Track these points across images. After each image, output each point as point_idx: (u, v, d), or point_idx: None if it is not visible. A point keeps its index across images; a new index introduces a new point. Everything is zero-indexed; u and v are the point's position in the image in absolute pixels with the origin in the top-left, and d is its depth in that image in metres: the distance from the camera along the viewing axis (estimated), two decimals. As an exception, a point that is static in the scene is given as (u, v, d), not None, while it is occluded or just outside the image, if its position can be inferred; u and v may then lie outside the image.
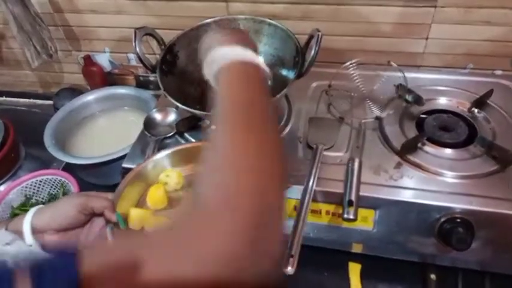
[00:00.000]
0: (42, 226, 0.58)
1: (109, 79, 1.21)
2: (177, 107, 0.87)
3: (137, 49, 0.81)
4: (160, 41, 0.87)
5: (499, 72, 0.96)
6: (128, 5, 1.02)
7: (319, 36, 0.75)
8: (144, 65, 0.82)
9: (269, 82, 0.53)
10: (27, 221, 0.57)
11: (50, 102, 1.23)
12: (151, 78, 1.17)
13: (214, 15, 0.98)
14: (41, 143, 1.02)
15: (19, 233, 0.57)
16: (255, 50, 0.53)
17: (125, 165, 0.82)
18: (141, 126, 0.88)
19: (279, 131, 0.46)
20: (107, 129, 1.09)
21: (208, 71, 0.52)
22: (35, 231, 0.57)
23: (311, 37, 0.80)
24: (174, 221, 0.41)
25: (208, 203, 0.36)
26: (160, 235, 0.37)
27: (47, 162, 1.12)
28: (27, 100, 1.30)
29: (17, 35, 0.98)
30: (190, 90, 0.90)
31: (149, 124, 0.87)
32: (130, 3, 1.01)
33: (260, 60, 0.50)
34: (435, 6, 0.88)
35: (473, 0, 0.86)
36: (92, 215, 0.61)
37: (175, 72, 0.88)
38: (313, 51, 0.76)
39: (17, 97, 1.31)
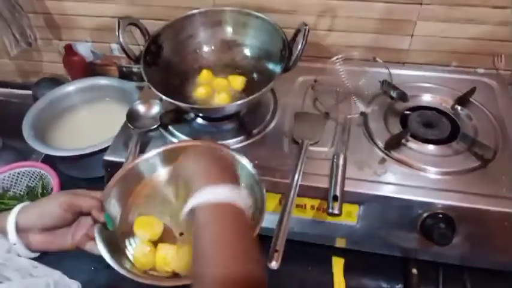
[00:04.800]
0: (27, 225, 0.56)
1: (91, 69, 1.18)
2: (161, 99, 0.86)
3: (120, 39, 0.79)
4: (144, 32, 0.85)
5: (481, 70, 0.98)
6: (111, -8, 1.00)
7: (306, 30, 0.75)
8: (128, 56, 0.80)
9: (250, 212, 0.54)
10: (11, 219, 0.55)
11: (29, 92, 1.19)
12: (135, 70, 1.15)
13: (200, 6, 0.97)
14: (20, 133, 0.98)
15: (2, 231, 0.55)
16: (236, 180, 0.55)
17: (107, 157, 0.80)
18: (123, 118, 0.86)
19: (260, 268, 0.47)
20: (89, 120, 1.06)
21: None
22: (19, 230, 0.55)
23: (298, 31, 0.80)
24: None
25: None
26: None
27: (26, 153, 1.09)
28: (5, 90, 1.26)
29: (-6, 22, 0.95)
30: (175, 82, 0.89)
31: (132, 116, 0.85)
32: (113, -9, 0.99)
33: (239, 196, 0.51)
34: (421, 4, 0.89)
35: (458, -3, 0.87)
36: (79, 214, 0.60)
37: (159, 63, 0.86)
38: (300, 45, 0.76)
39: (-6, 86, 1.26)
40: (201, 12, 0.89)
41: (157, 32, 0.86)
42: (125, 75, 1.16)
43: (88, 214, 0.59)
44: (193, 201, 0.49)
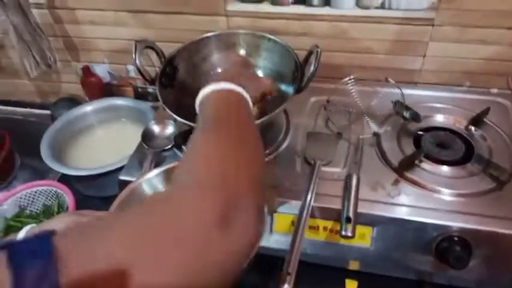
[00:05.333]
0: None
1: (107, 90, 1.21)
2: (175, 120, 0.87)
3: (137, 62, 0.81)
4: (160, 54, 0.87)
5: (494, 90, 0.97)
6: (127, 17, 1.02)
7: (318, 53, 0.76)
8: (144, 78, 0.82)
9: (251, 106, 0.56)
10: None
11: (47, 112, 1.23)
12: (150, 90, 1.17)
13: (214, 29, 0.99)
14: (37, 152, 1.01)
15: None
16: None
17: (122, 177, 0.81)
18: (138, 138, 0.88)
19: (261, 147, 0.48)
20: (104, 140, 1.08)
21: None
22: None
23: (310, 53, 0.81)
24: (145, 204, 0.42)
25: (178, 186, 0.39)
26: (133, 222, 0.35)
27: (43, 172, 1.11)
28: (24, 109, 1.29)
29: (16, 45, 0.98)
30: (189, 103, 0.89)
31: (147, 136, 0.87)
32: (130, 15, 1.02)
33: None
34: (433, 25, 0.89)
35: (470, 19, 0.87)
36: None
37: (174, 84, 0.88)
38: (312, 67, 0.77)
39: (14, 106, 1.30)
40: (215, 35, 0.91)
41: (173, 54, 0.88)
42: (140, 95, 1.19)
43: None
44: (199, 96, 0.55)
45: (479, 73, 0.96)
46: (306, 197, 0.72)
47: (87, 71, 1.15)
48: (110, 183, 0.91)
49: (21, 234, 0.57)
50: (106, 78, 1.19)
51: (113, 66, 1.15)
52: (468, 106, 0.90)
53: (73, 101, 1.21)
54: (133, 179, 0.80)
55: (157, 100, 0.83)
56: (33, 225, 0.61)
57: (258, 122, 0.76)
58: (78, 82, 1.19)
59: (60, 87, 1.25)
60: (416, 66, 0.98)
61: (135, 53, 0.81)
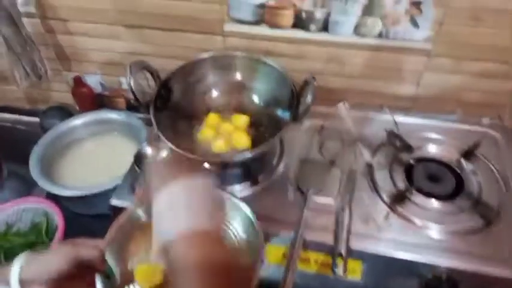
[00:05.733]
0: (31, 277, 0.56)
1: (99, 100, 1.19)
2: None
3: (132, 85, 0.80)
4: (155, 76, 0.86)
5: (486, 120, 0.98)
6: (122, 31, 1.01)
7: (315, 85, 0.76)
8: (138, 102, 0.81)
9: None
10: (15, 272, 0.56)
11: (36, 119, 1.20)
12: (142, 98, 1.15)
13: (210, 47, 0.99)
14: (26, 161, 0.99)
15: (6, 282, 0.55)
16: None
17: (114, 202, 0.81)
18: (131, 152, 0.87)
19: None
20: (96, 154, 1.07)
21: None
22: (22, 283, 0.56)
23: (306, 82, 0.80)
24: None
25: None
26: None
27: (31, 181, 1.08)
28: (12, 115, 1.27)
29: (5, 56, 0.96)
30: (183, 124, 0.89)
31: (140, 159, 0.86)
32: (125, 29, 1.00)
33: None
34: (428, 56, 0.90)
35: (466, 52, 0.88)
36: (81, 264, 0.60)
37: (168, 106, 0.87)
38: (308, 99, 0.77)
39: (1, 112, 1.27)
40: (211, 56, 0.90)
41: (168, 77, 0.87)
42: (132, 107, 1.17)
43: (89, 263, 0.60)
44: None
45: (472, 103, 0.97)
46: (297, 230, 0.73)
47: (78, 81, 1.13)
48: (101, 202, 0.90)
49: (16, 267, 0.56)
50: (98, 89, 1.17)
51: (105, 77, 1.14)
52: (460, 137, 0.91)
53: (63, 110, 1.18)
54: (124, 204, 0.80)
55: (149, 112, 0.82)
56: (30, 253, 0.59)
57: (252, 153, 0.75)
58: (68, 91, 1.17)
59: (50, 95, 1.23)
60: (410, 93, 0.98)
61: (130, 76, 0.79)
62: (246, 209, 0.68)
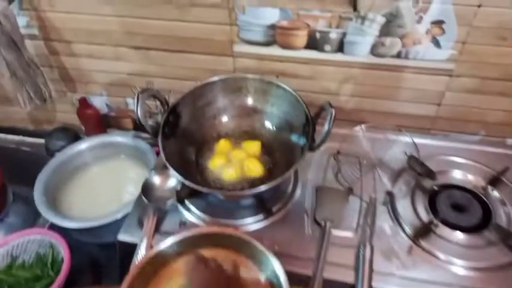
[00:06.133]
0: None
1: (105, 121, 1.15)
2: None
3: (139, 114, 0.76)
4: (163, 102, 0.82)
5: (510, 140, 0.94)
6: (128, 52, 0.97)
7: (333, 114, 0.71)
8: (146, 131, 0.77)
9: None
10: None
11: (41, 140, 1.17)
12: (150, 123, 1.12)
13: (219, 68, 0.95)
14: (31, 183, 0.96)
15: None
16: None
17: (121, 238, 0.77)
18: (138, 176, 0.83)
19: None
20: (102, 179, 1.03)
21: None
22: None
23: (322, 108, 0.76)
24: None
25: None
26: None
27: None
28: (16, 137, 1.24)
29: (8, 81, 0.93)
30: (192, 151, 0.86)
31: (147, 189, 0.82)
32: (131, 51, 0.97)
33: None
34: (451, 76, 0.85)
35: (491, 71, 0.83)
36: None
37: (177, 133, 0.83)
38: (326, 128, 0.72)
39: (6, 133, 1.24)
40: (221, 79, 0.86)
41: (176, 102, 0.83)
42: (139, 127, 1.13)
43: None
44: None
45: (496, 123, 0.92)
46: (316, 268, 0.69)
47: (83, 103, 1.10)
48: (108, 231, 0.87)
49: None
50: (103, 109, 1.13)
51: (111, 98, 1.10)
52: (484, 160, 0.86)
53: (68, 132, 1.15)
54: (132, 241, 0.76)
55: (156, 133, 0.78)
56: None
57: (267, 186, 0.71)
58: (74, 112, 1.14)
59: (55, 116, 1.19)
60: (431, 113, 0.94)
61: (137, 105, 0.76)
62: (269, 254, 0.64)
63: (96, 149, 1.05)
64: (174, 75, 0.99)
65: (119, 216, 0.86)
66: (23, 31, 0.95)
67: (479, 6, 0.74)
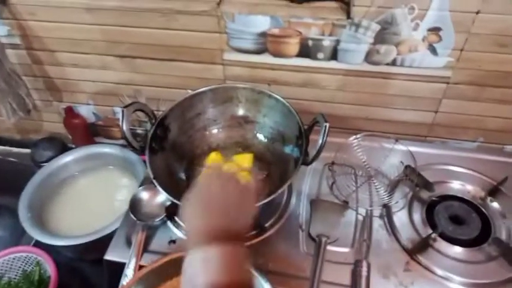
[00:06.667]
0: None
1: (92, 131, 1.12)
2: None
3: (124, 129, 0.73)
4: (150, 115, 0.79)
5: (509, 147, 0.91)
6: (114, 61, 0.93)
7: (326, 128, 0.68)
8: (132, 147, 0.74)
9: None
10: None
11: (27, 150, 1.14)
12: (139, 131, 1.09)
13: (209, 77, 0.92)
14: (17, 194, 0.93)
15: None
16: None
17: (108, 257, 0.74)
18: (126, 186, 0.80)
19: None
20: (90, 191, 1.00)
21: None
22: None
23: (315, 121, 0.73)
24: None
25: None
26: None
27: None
28: (2, 147, 1.20)
29: (-10, 93, 0.89)
30: (181, 165, 0.83)
31: (135, 206, 0.79)
32: (117, 60, 0.93)
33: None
34: (448, 83, 0.83)
35: (490, 79, 0.80)
36: None
37: (165, 147, 0.80)
38: (320, 142, 0.69)
39: (-9, 143, 1.21)
40: (211, 89, 0.83)
41: (164, 115, 0.80)
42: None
43: None
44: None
45: (494, 130, 0.89)
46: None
47: (70, 112, 1.06)
48: (96, 247, 0.84)
49: None
50: (91, 118, 1.10)
51: (98, 107, 1.06)
52: (482, 169, 0.84)
53: (55, 141, 1.12)
54: (120, 260, 0.73)
55: (145, 141, 0.75)
56: None
57: (261, 203, 0.68)
58: (60, 121, 1.10)
59: (41, 126, 1.16)
60: (427, 120, 0.91)
61: (123, 120, 0.72)
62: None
63: (83, 160, 1.02)
64: (163, 83, 0.96)
65: (106, 232, 0.83)
66: (4, 40, 0.92)
67: (477, 12, 0.71)
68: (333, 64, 0.84)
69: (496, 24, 0.72)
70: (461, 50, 0.77)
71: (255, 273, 0.62)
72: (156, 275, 0.65)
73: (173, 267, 0.64)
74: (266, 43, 0.83)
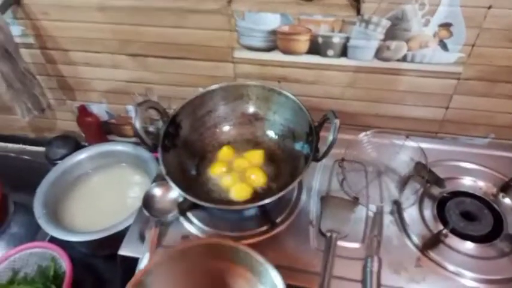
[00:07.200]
0: None
1: (105, 129, 1.14)
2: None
3: (137, 126, 0.73)
4: (162, 113, 0.79)
5: (521, 144, 0.91)
6: (126, 60, 0.95)
7: (337, 125, 0.68)
8: (145, 144, 0.75)
9: None
10: None
11: (41, 148, 1.16)
12: (150, 129, 1.10)
13: (220, 75, 0.93)
14: (32, 192, 0.95)
15: None
16: None
17: (122, 253, 0.75)
18: (139, 184, 0.81)
19: None
20: (103, 188, 1.02)
21: None
22: None
23: (325, 118, 0.73)
24: None
25: None
26: None
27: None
28: (16, 145, 1.22)
29: (5, 93, 0.91)
30: (193, 162, 0.84)
31: (148, 202, 0.80)
32: (129, 58, 0.94)
33: None
34: (458, 79, 0.82)
35: (500, 75, 0.80)
36: None
37: (177, 144, 0.81)
38: (330, 138, 0.69)
39: (6, 141, 1.23)
40: (222, 87, 0.84)
41: (176, 112, 0.80)
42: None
43: None
44: None
45: (505, 126, 0.89)
46: (322, 283, 0.67)
47: (83, 111, 1.08)
48: (110, 243, 0.85)
49: None
50: (104, 117, 1.11)
51: (111, 106, 1.08)
52: (494, 165, 0.84)
53: (69, 140, 1.14)
54: (134, 255, 0.74)
55: (157, 139, 0.76)
56: None
57: (270, 200, 0.69)
58: (74, 119, 1.12)
59: (55, 124, 1.18)
60: (438, 117, 0.91)
61: (136, 118, 0.73)
62: (271, 270, 0.62)
63: (96, 158, 1.03)
64: (174, 82, 0.97)
65: (121, 227, 0.85)
66: (18, 40, 0.94)
67: (489, 7, 0.71)
68: (343, 61, 0.84)
69: (508, 19, 0.72)
70: (473, 46, 0.77)
71: (262, 260, 0.63)
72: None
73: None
74: (276, 41, 0.84)
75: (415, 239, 0.73)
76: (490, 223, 0.74)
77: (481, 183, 0.81)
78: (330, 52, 0.83)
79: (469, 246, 0.71)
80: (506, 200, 0.78)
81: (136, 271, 0.71)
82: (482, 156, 0.86)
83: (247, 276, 0.65)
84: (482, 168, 0.84)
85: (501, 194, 0.78)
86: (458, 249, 0.71)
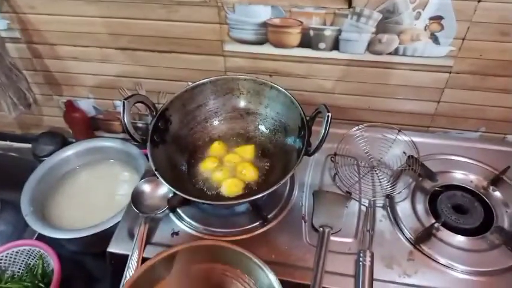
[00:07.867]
0: None
1: (93, 124, 1.12)
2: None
3: (125, 121, 0.72)
4: (151, 108, 0.78)
5: (511, 137, 0.91)
6: (114, 54, 0.93)
7: (329, 118, 0.68)
8: (133, 139, 0.74)
9: None
10: None
11: (29, 145, 1.13)
12: (139, 125, 1.09)
13: (210, 68, 0.91)
14: (19, 189, 0.93)
15: None
16: None
17: (112, 250, 0.74)
18: (128, 180, 0.80)
19: None
20: (91, 185, 1.00)
21: None
22: None
23: (317, 112, 0.73)
24: None
25: None
26: None
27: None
28: (3, 142, 1.20)
29: (-10, 87, 0.89)
30: (183, 158, 0.83)
31: (137, 198, 0.79)
32: (117, 52, 0.93)
33: None
34: (450, 72, 0.82)
35: (490, 68, 0.80)
36: None
37: (166, 139, 0.80)
38: (322, 132, 0.69)
39: (-8, 138, 1.20)
40: (211, 81, 0.83)
41: (165, 107, 0.79)
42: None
43: None
44: None
45: (496, 120, 0.89)
46: (315, 279, 0.66)
47: (70, 106, 1.06)
48: (98, 240, 0.84)
49: None
50: (91, 112, 1.09)
51: (98, 101, 1.06)
52: (485, 159, 0.84)
53: (56, 136, 1.12)
54: (123, 252, 0.73)
55: (146, 134, 0.75)
56: None
57: (261, 195, 0.68)
58: (61, 115, 1.10)
59: (41, 120, 1.15)
60: (430, 111, 0.91)
61: (124, 112, 0.72)
62: (266, 269, 0.62)
63: (84, 154, 1.01)
64: (163, 76, 0.96)
65: (109, 225, 0.84)
66: (3, 34, 0.92)
67: (479, 1, 0.70)
68: (334, 54, 0.84)
69: (498, 12, 0.72)
70: (463, 39, 0.77)
71: (260, 264, 0.62)
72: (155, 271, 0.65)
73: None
74: (267, 33, 0.83)
75: (408, 233, 0.73)
76: (480, 216, 0.75)
77: (472, 177, 0.81)
78: (322, 45, 0.83)
79: (460, 239, 0.72)
80: (497, 193, 0.78)
81: (126, 270, 0.70)
82: (473, 149, 0.86)
83: (243, 278, 0.65)
84: (473, 161, 0.84)
85: (491, 187, 0.79)
86: (450, 243, 0.71)
